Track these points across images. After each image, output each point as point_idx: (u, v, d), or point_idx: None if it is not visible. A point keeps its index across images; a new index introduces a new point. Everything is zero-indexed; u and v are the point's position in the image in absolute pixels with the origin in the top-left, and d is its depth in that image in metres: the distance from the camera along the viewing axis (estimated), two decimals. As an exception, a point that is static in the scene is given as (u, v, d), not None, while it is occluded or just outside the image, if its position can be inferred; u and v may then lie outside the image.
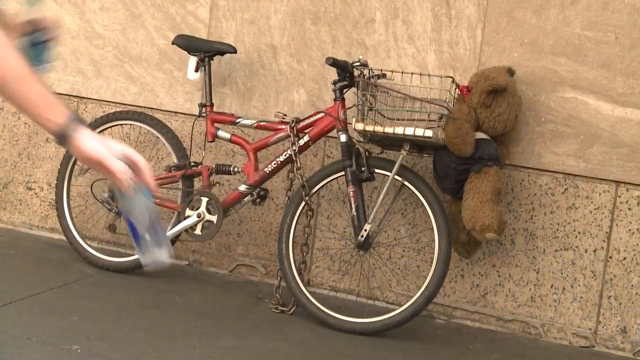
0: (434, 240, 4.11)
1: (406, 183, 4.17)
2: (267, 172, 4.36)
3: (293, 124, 4.31)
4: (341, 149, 4.22)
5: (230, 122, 4.50)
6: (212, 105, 4.53)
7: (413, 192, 4.17)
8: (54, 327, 3.75)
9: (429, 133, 3.99)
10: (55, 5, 5.11)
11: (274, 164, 4.35)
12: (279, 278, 4.39)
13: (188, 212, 4.42)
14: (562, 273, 4.36)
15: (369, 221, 4.14)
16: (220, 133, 4.49)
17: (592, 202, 4.30)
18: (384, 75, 4.27)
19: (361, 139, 4.28)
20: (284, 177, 4.59)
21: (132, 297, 4.27)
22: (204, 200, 4.39)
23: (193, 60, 4.53)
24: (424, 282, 4.11)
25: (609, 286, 4.29)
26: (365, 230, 4.13)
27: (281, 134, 4.36)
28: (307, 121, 4.33)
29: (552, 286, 4.37)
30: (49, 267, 4.56)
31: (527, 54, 4.37)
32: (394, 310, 4.15)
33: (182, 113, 4.95)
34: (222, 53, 4.59)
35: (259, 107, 4.81)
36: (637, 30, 4.21)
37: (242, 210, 4.75)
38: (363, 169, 4.16)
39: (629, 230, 4.25)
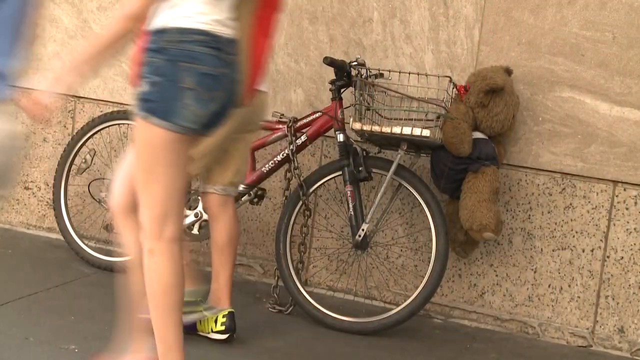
0: (431, 239, 4.11)
1: (404, 183, 4.17)
2: (265, 171, 4.36)
3: (290, 124, 4.31)
4: (339, 149, 4.22)
5: (228, 121, 4.50)
6: (209, 104, 4.53)
7: (410, 191, 4.17)
8: (52, 326, 3.75)
9: (426, 133, 3.99)
10: (53, 4, 5.10)
11: (272, 163, 4.35)
12: (276, 278, 4.39)
13: (186, 211, 4.41)
14: (559, 273, 4.36)
15: (367, 221, 4.14)
16: (218, 133, 4.49)
17: (589, 202, 4.31)
18: (381, 75, 4.27)
19: (359, 139, 4.28)
20: (281, 176, 4.59)
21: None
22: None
23: (190, 60, 4.52)
24: (421, 282, 4.12)
25: (606, 286, 4.29)
26: (363, 229, 4.13)
27: (279, 134, 4.36)
28: (305, 121, 4.33)
29: (549, 286, 4.38)
30: (47, 267, 4.56)
31: (524, 54, 4.37)
32: (392, 309, 4.15)
33: (179, 113, 4.95)
34: (220, 53, 4.58)
35: (257, 107, 4.81)
36: (634, 29, 4.22)
37: (239, 210, 4.74)
38: (360, 168, 4.16)
39: (627, 229, 4.25)
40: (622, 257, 4.27)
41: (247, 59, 3.00)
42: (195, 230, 4.41)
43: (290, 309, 4.31)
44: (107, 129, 4.78)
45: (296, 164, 4.28)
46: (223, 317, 3.77)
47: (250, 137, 3.85)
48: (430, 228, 4.12)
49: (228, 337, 3.77)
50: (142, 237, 2.89)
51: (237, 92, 2.92)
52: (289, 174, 4.36)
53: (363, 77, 4.16)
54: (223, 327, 3.76)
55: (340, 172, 4.22)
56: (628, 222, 4.25)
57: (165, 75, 2.73)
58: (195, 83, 2.74)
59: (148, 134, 2.78)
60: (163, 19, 2.77)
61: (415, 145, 4.18)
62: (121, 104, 5.02)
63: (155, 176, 2.80)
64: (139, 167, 2.85)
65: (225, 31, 2.82)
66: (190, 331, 3.82)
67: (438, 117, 4.07)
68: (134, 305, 3.18)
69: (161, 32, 2.76)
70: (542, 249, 4.38)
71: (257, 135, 3.97)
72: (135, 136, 2.84)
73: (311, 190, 4.30)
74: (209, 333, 3.79)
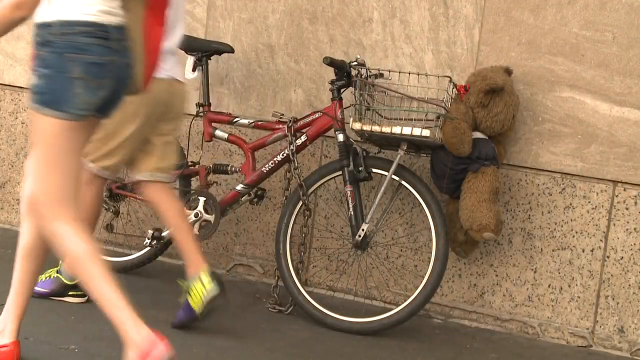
0: (431, 239, 4.11)
1: (404, 183, 4.17)
2: (265, 171, 4.36)
3: (290, 124, 4.31)
4: (339, 149, 4.22)
5: (228, 121, 4.50)
6: (209, 104, 4.53)
7: (410, 191, 4.17)
8: (52, 327, 3.74)
9: (426, 133, 3.99)
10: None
11: (272, 163, 4.35)
12: (276, 278, 4.39)
13: (185, 211, 4.41)
14: (559, 273, 4.36)
15: (367, 221, 4.14)
16: (218, 133, 4.49)
17: (589, 202, 4.31)
18: (381, 75, 4.27)
19: (359, 139, 4.28)
20: (281, 176, 4.59)
21: (129, 297, 4.26)
22: (202, 199, 4.38)
23: (190, 60, 4.52)
24: (421, 282, 4.11)
25: (606, 286, 4.29)
26: (363, 229, 4.13)
27: (279, 134, 4.36)
28: (305, 121, 4.33)
29: (549, 286, 4.38)
30: (46, 267, 4.55)
31: (524, 54, 4.37)
32: (392, 309, 4.15)
33: (179, 113, 4.95)
34: (220, 52, 4.59)
35: (257, 107, 4.81)
36: (634, 29, 4.22)
37: (239, 210, 4.75)
38: (360, 168, 4.16)
39: (627, 229, 4.25)
40: (622, 257, 4.27)
41: (140, 46, 3.10)
42: (195, 230, 4.41)
43: (290, 309, 4.31)
44: (107, 129, 4.77)
45: (296, 164, 4.28)
46: (206, 275, 3.80)
47: (171, 126, 3.93)
48: (430, 228, 4.11)
49: (221, 289, 3.79)
50: (40, 224, 2.99)
51: (130, 77, 3.02)
52: (288, 174, 4.36)
53: (363, 77, 4.16)
54: (213, 282, 3.78)
55: (340, 172, 4.22)
56: (628, 222, 4.25)
57: (54, 67, 2.83)
58: (83, 72, 2.85)
59: (43, 124, 2.88)
60: (47, 11, 2.85)
61: (415, 145, 4.18)
62: (121, 104, 5.01)
63: (54, 164, 2.90)
64: (37, 157, 2.93)
65: (112, 19, 2.91)
66: (189, 316, 3.83)
67: (438, 117, 4.07)
68: (23, 285, 3.26)
69: (46, 25, 2.84)
70: (542, 249, 4.38)
71: (179, 124, 4.07)
72: (33, 128, 2.94)
73: (311, 190, 4.30)
74: (202, 301, 3.79)
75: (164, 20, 3.25)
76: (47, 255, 3.29)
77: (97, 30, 2.86)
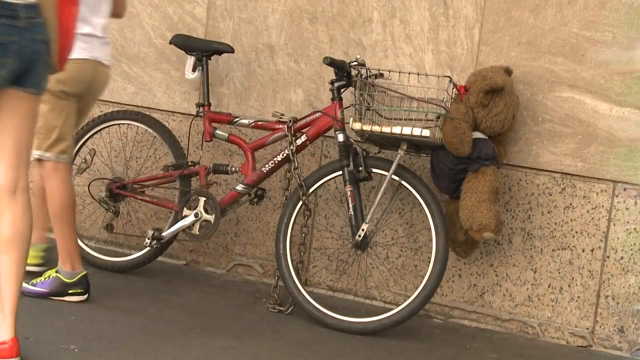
0: (431, 239, 4.11)
1: (404, 183, 4.17)
2: (265, 171, 4.36)
3: (290, 124, 4.31)
4: (339, 149, 4.22)
5: (228, 121, 4.50)
6: (209, 104, 4.53)
7: (410, 191, 4.17)
8: (52, 326, 3.74)
9: (426, 133, 3.99)
10: (53, 4, 5.10)
11: (272, 163, 4.35)
12: (276, 278, 4.39)
13: (185, 211, 4.41)
14: (559, 273, 4.36)
15: (367, 221, 4.14)
16: (218, 133, 4.49)
17: (589, 202, 4.31)
18: (381, 75, 4.27)
19: (359, 139, 4.28)
20: (281, 176, 4.59)
21: (129, 297, 4.27)
22: (202, 199, 4.38)
23: (190, 60, 4.53)
24: (421, 282, 4.11)
25: (606, 286, 4.29)
26: (363, 229, 4.13)
27: (279, 134, 4.36)
28: (305, 121, 4.33)
29: (549, 286, 4.38)
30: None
31: (524, 54, 4.37)
32: (392, 309, 4.15)
33: (179, 113, 4.95)
34: (220, 52, 4.59)
35: (257, 107, 4.81)
36: (634, 29, 4.22)
37: (239, 210, 4.75)
38: (360, 168, 4.16)
39: (626, 229, 4.25)
40: (622, 257, 4.27)
41: (54, 25, 3.13)
42: (195, 231, 4.41)
43: (290, 309, 4.31)
44: (107, 129, 4.77)
45: (296, 164, 4.28)
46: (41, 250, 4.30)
47: (86, 109, 4.15)
48: (430, 228, 4.11)
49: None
50: None
51: (44, 53, 3.05)
52: (288, 174, 4.36)
53: (363, 77, 4.16)
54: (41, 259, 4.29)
55: (340, 172, 4.22)
56: (628, 222, 4.25)
57: None
58: None
59: None
60: None
61: (415, 145, 4.18)
62: (121, 103, 5.02)
63: None
64: None
65: None
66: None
67: (438, 117, 4.07)
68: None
69: None
70: (542, 249, 4.38)
71: (92, 107, 4.28)
72: None
73: (311, 190, 4.30)
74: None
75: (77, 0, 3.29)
76: (27, 244, 3.24)
77: (3, 9, 2.89)
